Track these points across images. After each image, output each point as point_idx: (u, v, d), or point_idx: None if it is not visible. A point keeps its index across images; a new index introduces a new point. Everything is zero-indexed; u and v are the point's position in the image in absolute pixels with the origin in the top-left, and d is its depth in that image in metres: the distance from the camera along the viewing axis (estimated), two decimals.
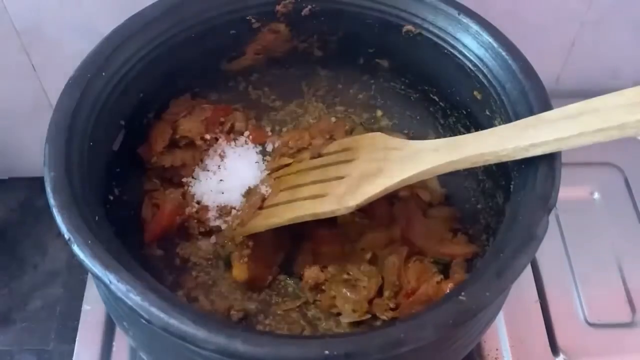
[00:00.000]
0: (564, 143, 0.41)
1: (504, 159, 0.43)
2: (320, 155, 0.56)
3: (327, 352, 0.35)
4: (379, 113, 0.63)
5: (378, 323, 0.52)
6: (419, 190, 0.58)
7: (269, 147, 0.60)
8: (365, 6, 0.54)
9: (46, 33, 0.63)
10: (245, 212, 0.55)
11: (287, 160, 0.57)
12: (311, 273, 0.53)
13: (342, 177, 0.50)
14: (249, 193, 0.56)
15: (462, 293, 0.38)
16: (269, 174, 0.57)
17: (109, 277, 0.37)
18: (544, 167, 0.43)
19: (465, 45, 0.51)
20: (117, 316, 0.47)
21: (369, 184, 0.48)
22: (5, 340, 0.65)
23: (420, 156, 0.47)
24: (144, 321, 0.36)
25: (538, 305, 0.63)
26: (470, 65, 0.51)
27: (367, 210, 0.56)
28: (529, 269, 0.64)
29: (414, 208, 0.57)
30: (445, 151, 0.45)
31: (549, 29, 0.70)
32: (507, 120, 0.48)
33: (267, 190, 0.55)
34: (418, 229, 0.55)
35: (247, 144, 0.59)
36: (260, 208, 0.54)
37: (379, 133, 0.53)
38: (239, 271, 0.54)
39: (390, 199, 0.57)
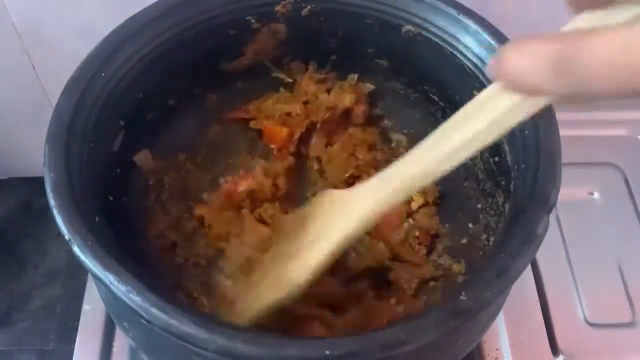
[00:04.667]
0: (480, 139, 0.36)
1: (433, 175, 0.39)
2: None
3: (327, 352, 0.35)
4: (379, 113, 0.63)
5: None
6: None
7: None
8: (365, 6, 0.54)
9: (46, 33, 0.63)
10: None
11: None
12: None
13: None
14: None
15: (462, 293, 0.38)
16: None
17: (109, 278, 0.37)
18: (544, 166, 0.43)
19: (465, 45, 0.51)
20: (117, 316, 0.47)
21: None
22: (5, 340, 0.65)
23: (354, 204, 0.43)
24: (144, 321, 0.36)
25: (538, 305, 0.63)
26: (470, 65, 0.51)
27: None
28: (529, 269, 0.64)
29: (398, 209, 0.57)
30: (374, 189, 0.42)
31: (549, 29, 0.70)
32: None
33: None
34: (394, 231, 0.56)
35: None
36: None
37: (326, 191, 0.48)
38: None
39: None
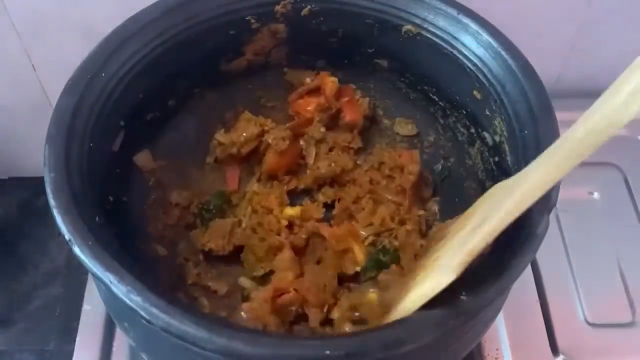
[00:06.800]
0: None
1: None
2: None
3: (327, 352, 0.35)
4: (379, 113, 0.63)
5: None
6: None
7: None
8: (365, 6, 0.54)
9: (46, 33, 0.63)
10: None
11: None
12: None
13: None
14: None
15: (462, 293, 0.38)
16: None
17: (110, 278, 0.37)
18: None
19: (465, 45, 0.51)
20: (117, 316, 0.47)
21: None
22: (5, 340, 0.65)
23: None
24: (144, 321, 0.36)
25: (538, 305, 0.63)
26: (470, 65, 0.51)
27: None
28: (529, 269, 0.64)
29: None
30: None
31: (549, 29, 0.70)
32: (507, 119, 0.48)
33: None
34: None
35: None
36: None
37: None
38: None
39: None
